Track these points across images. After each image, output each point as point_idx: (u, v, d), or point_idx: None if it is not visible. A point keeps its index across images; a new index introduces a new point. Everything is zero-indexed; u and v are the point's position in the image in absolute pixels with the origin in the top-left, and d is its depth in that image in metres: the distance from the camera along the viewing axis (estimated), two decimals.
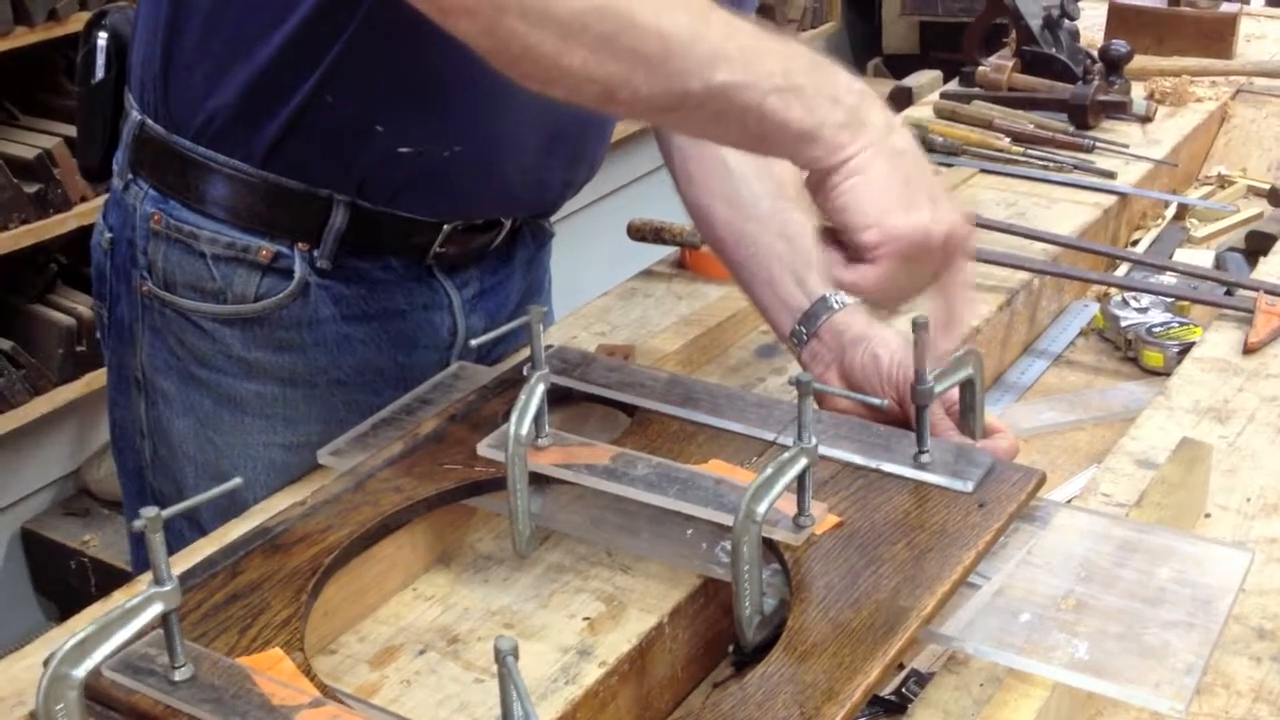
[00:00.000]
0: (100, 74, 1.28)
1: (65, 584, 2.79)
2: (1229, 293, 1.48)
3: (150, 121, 1.20)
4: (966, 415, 1.04)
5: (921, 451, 1.00)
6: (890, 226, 0.91)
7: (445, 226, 1.22)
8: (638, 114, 0.95)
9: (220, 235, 1.18)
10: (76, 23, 2.47)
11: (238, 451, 1.23)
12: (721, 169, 1.22)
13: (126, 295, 1.24)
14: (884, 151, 0.91)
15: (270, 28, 1.10)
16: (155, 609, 0.80)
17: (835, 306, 1.15)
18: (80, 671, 0.78)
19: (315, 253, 1.18)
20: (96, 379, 2.60)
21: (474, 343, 1.03)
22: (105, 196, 1.29)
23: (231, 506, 1.10)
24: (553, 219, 1.39)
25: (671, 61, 0.89)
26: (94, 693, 0.81)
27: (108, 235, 1.25)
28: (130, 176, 1.22)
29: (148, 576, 0.80)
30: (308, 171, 1.16)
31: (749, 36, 0.91)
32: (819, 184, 0.93)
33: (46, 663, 0.78)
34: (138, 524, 0.77)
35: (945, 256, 0.95)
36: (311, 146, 1.15)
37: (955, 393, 1.05)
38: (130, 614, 0.80)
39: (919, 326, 0.97)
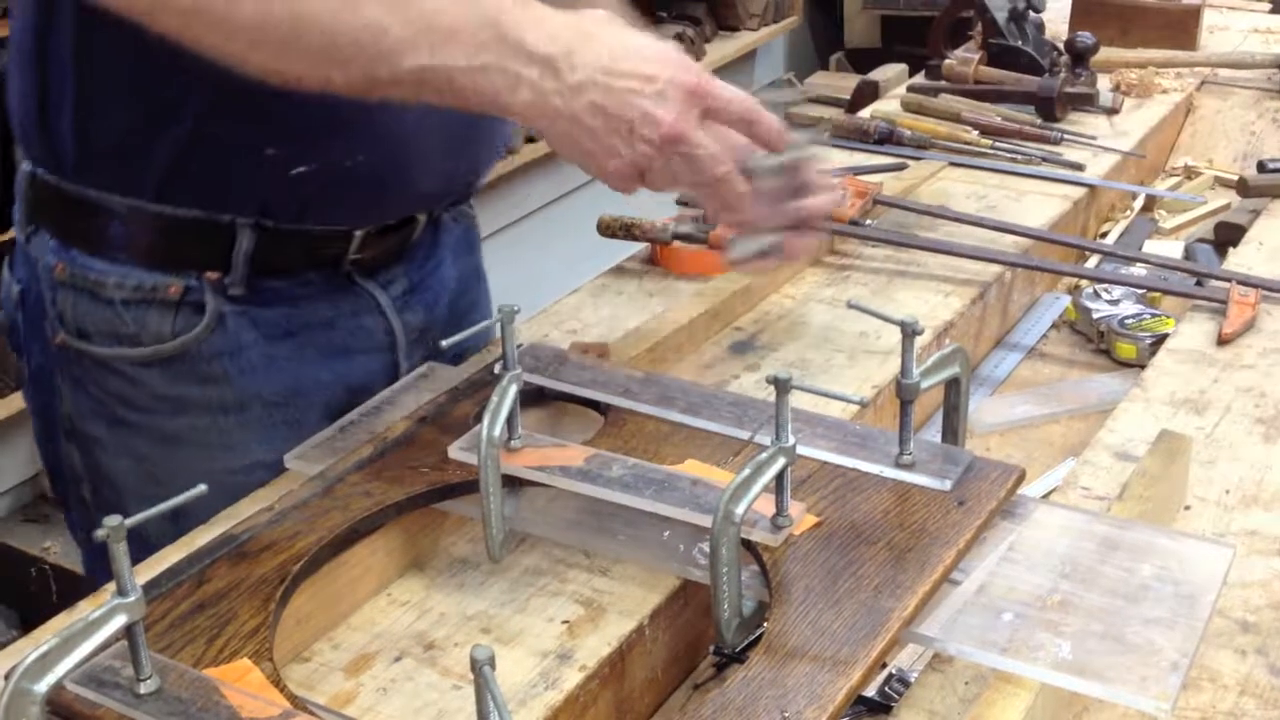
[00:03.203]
0: None
1: (25, 591, 2.75)
2: (1199, 283, 1.48)
3: (41, 171, 1.17)
4: (951, 414, 1.03)
5: (904, 452, 0.99)
6: (610, 171, 1.00)
7: (357, 233, 1.19)
8: (349, 96, 1.00)
9: (126, 279, 1.15)
10: None
11: (181, 483, 1.17)
12: None
13: (41, 347, 1.21)
14: (572, 106, 0.97)
15: (138, 62, 1.06)
16: (119, 621, 0.78)
17: None
18: (42, 686, 0.76)
19: (227, 280, 1.15)
20: None
21: (444, 344, 1.01)
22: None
23: (175, 530, 1.05)
24: (520, 215, 1.37)
25: (361, 54, 0.95)
26: (57, 707, 0.79)
27: (16, 288, 1.22)
28: (31, 228, 1.19)
29: (112, 586, 0.78)
30: (206, 200, 1.13)
31: (438, 15, 0.95)
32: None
33: (8, 677, 0.76)
34: (99, 533, 0.75)
35: (667, 146, 0.99)
36: (205, 175, 1.12)
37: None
38: (93, 626, 0.78)
39: (908, 331, 0.96)
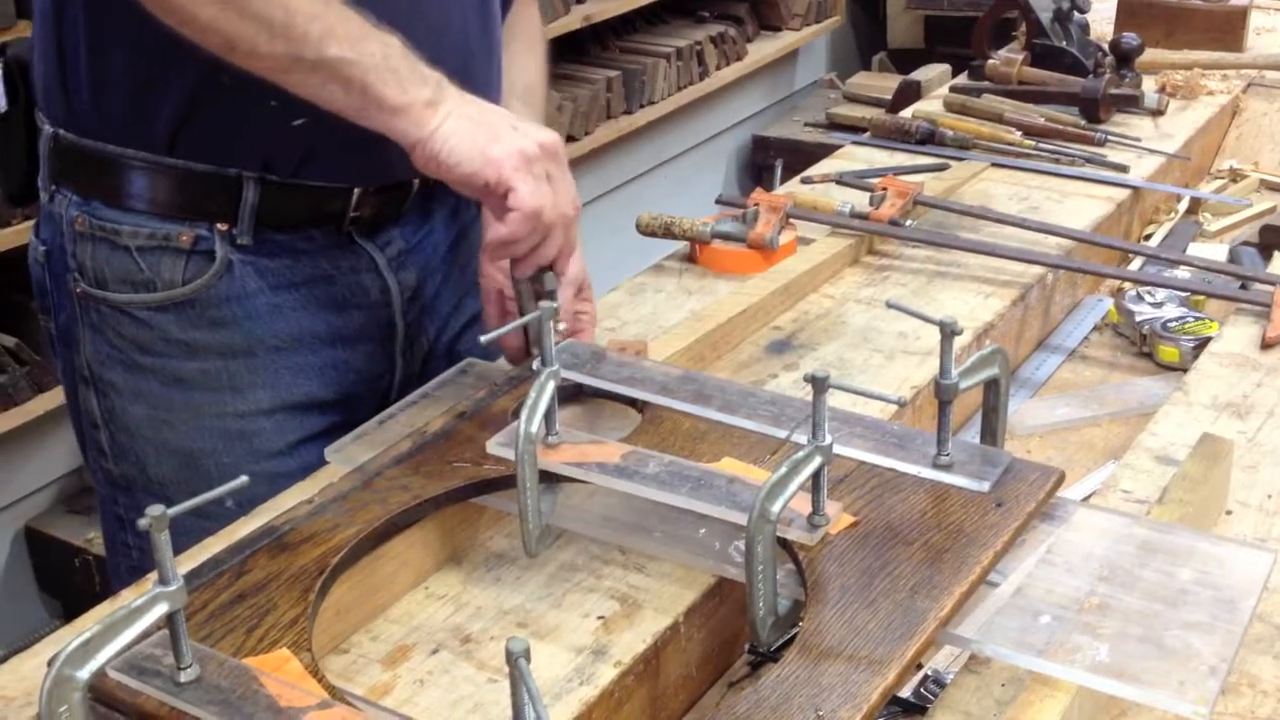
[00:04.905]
0: (4, 105, 1.33)
1: (69, 582, 2.78)
2: (1243, 287, 1.47)
3: (62, 131, 1.23)
4: (990, 415, 1.02)
5: (942, 453, 0.98)
6: (494, 156, 1.09)
7: (355, 191, 1.24)
8: (256, 70, 1.10)
9: (141, 227, 1.21)
10: None
11: (192, 426, 1.26)
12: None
13: (65, 300, 1.27)
14: (463, 114, 1.10)
15: (146, 21, 1.10)
16: (160, 609, 0.79)
17: None
18: (84, 673, 0.77)
19: (234, 231, 1.22)
20: None
21: (483, 339, 1.02)
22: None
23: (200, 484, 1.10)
24: None
25: (292, 30, 1.06)
26: (99, 694, 0.80)
27: (42, 249, 1.29)
28: (54, 188, 1.26)
29: (154, 575, 0.79)
30: (214, 153, 1.20)
31: (358, 24, 1.09)
32: (424, 162, 1.11)
33: (51, 663, 0.77)
34: (142, 522, 0.76)
35: (546, 150, 1.11)
36: (213, 129, 1.19)
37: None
38: (135, 614, 0.78)
39: (946, 331, 0.95)
